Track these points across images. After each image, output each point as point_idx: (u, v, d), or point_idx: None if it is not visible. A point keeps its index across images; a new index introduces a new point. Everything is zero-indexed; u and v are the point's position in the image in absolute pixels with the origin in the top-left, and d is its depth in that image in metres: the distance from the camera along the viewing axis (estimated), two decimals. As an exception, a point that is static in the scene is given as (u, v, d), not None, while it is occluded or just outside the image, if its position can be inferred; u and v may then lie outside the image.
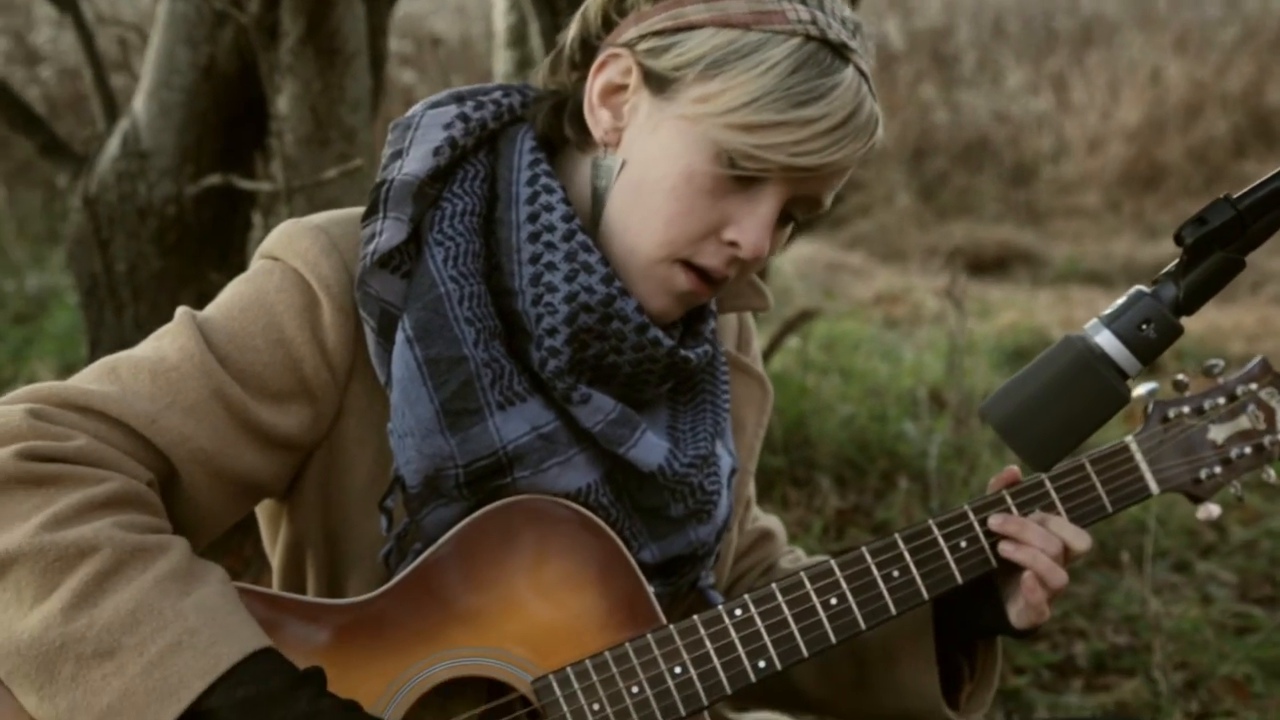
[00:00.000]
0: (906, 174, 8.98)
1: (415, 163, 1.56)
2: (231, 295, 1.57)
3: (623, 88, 1.57)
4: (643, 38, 1.56)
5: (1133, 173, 9.05)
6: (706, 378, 1.68)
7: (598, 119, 1.58)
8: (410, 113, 1.63)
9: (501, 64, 4.34)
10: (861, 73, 1.54)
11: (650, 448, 1.58)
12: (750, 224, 1.54)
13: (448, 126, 1.59)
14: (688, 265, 1.56)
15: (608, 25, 1.60)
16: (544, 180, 1.57)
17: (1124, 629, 3.23)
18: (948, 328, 5.32)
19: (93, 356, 3.22)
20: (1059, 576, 1.59)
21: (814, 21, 1.52)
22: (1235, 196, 1.59)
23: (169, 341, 1.53)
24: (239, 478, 1.53)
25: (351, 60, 3.01)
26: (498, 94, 1.64)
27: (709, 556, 1.66)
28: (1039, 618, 1.61)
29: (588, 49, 1.62)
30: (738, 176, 1.52)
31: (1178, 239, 1.61)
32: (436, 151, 1.56)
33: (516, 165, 1.59)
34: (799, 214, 1.59)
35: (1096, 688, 3.04)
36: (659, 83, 1.54)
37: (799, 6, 1.53)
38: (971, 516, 1.62)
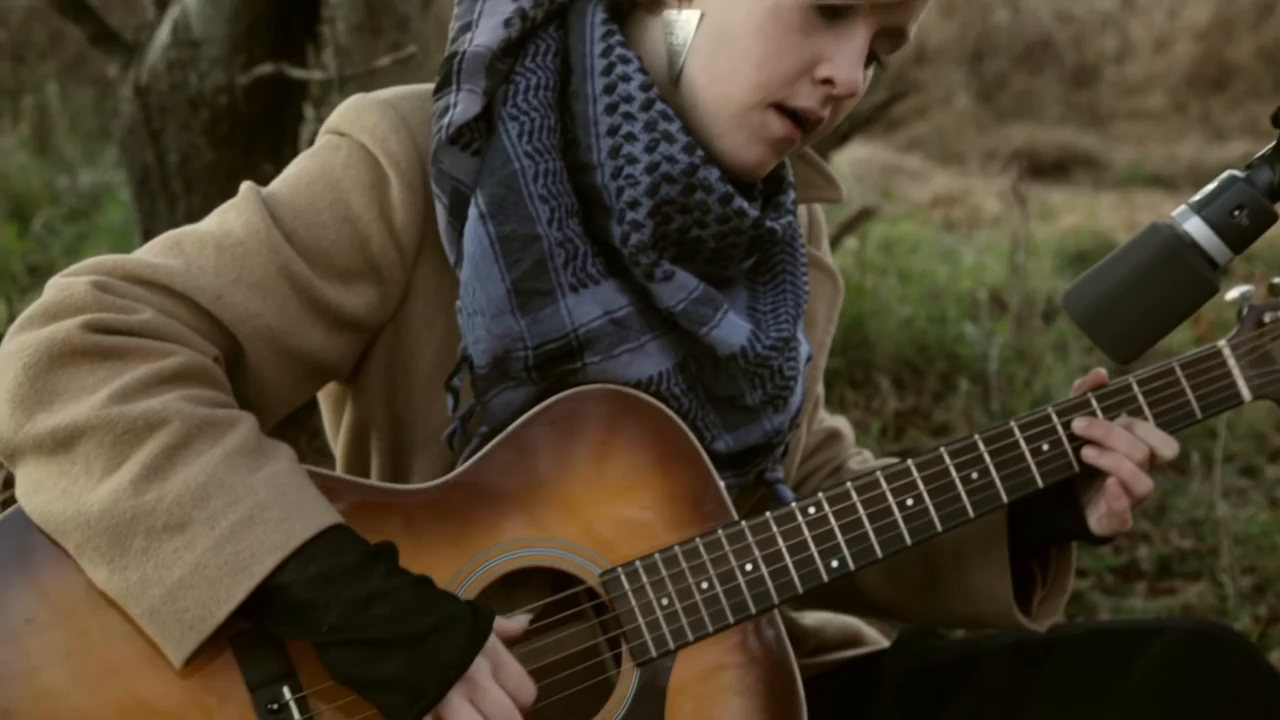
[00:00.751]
0: (965, 75, 8.79)
1: (485, 34, 1.51)
2: (298, 170, 1.53)
3: None
4: None
5: (1200, 73, 8.82)
6: (786, 257, 1.63)
7: None
8: None
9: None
10: None
11: (732, 328, 1.54)
12: (843, 59, 1.48)
13: None
14: (781, 109, 1.50)
15: None
16: (619, 50, 1.52)
17: (1189, 533, 3.18)
18: (1009, 229, 5.22)
19: (146, 250, 3.19)
20: (1144, 483, 1.54)
21: None
22: (1341, 78, 1.51)
23: (234, 216, 1.49)
24: (305, 357, 1.50)
25: (406, -54, 2.93)
26: None
27: (779, 447, 1.62)
28: (1120, 525, 1.56)
29: None
30: (826, 9, 1.46)
31: (1275, 121, 1.53)
32: (507, 23, 1.51)
33: (589, 37, 1.53)
34: (883, 52, 1.54)
35: (1160, 591, 3.00)
36: None
37: None
38: (1055, 419, 1.56)
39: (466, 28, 1.54)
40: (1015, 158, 7.19)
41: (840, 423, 1.85)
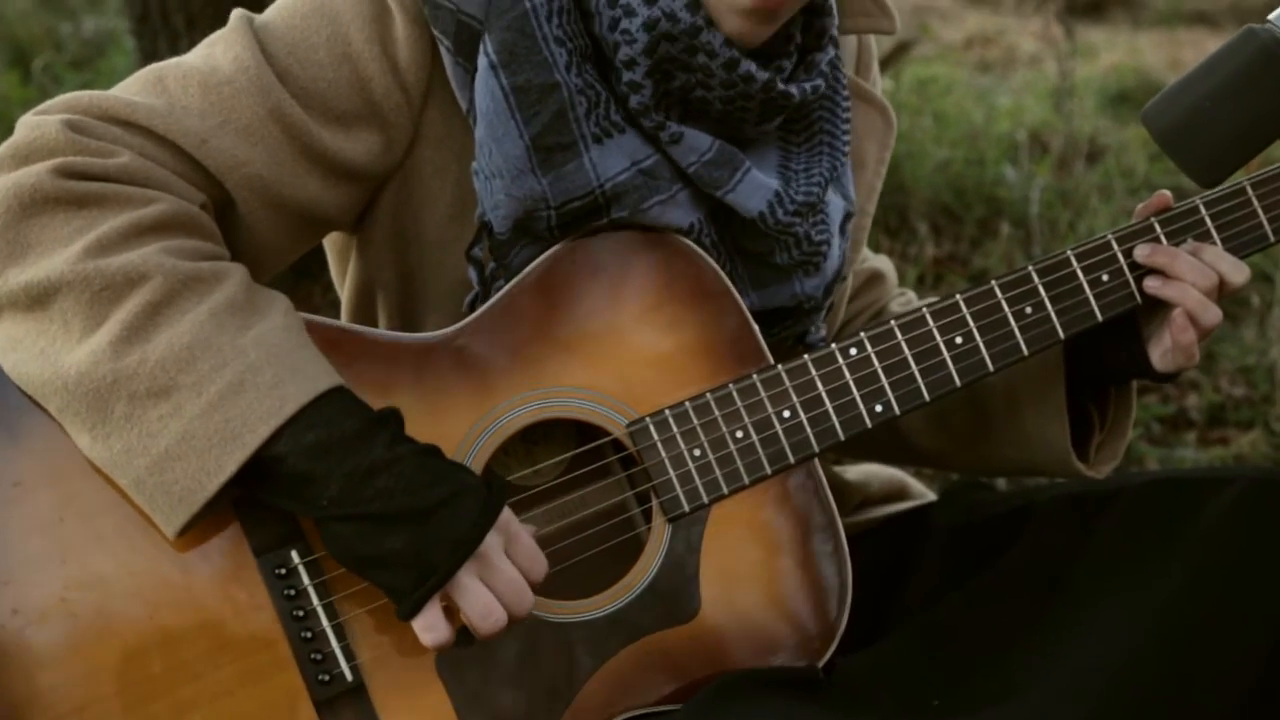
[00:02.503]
0: (999, -89, 8.43)
1: None
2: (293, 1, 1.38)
3: None
4: None
5: (1244, -95, 8.43)
6: (825, 115, 1.47)
7: None
8: None
9: None
10: None
11: (752, 191, 1.40)
12: None
13: None
14: None
15: None
16: None
17: (1240, 380, 3.04)
18: (1046, 70, 5.00)
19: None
20: (1213, 313, 1.41)
21: None
22: None
23: (222, 50, 1.36)
24: (301, 208, 1.38)
25: None
26: None
27: (817, 311, 1.49)
28: (1187, 360, 1.43)
29: None
30: None
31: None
32: None
33: None
34: None
35: (1211, 441, 2.88)
36: None
37: None
38: (1115, 246, 1.43)
39: None
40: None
41: (882, 262, 1.72)
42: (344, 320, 1.54)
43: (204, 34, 2.96)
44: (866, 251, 1.71)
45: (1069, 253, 1.42)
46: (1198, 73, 1.37)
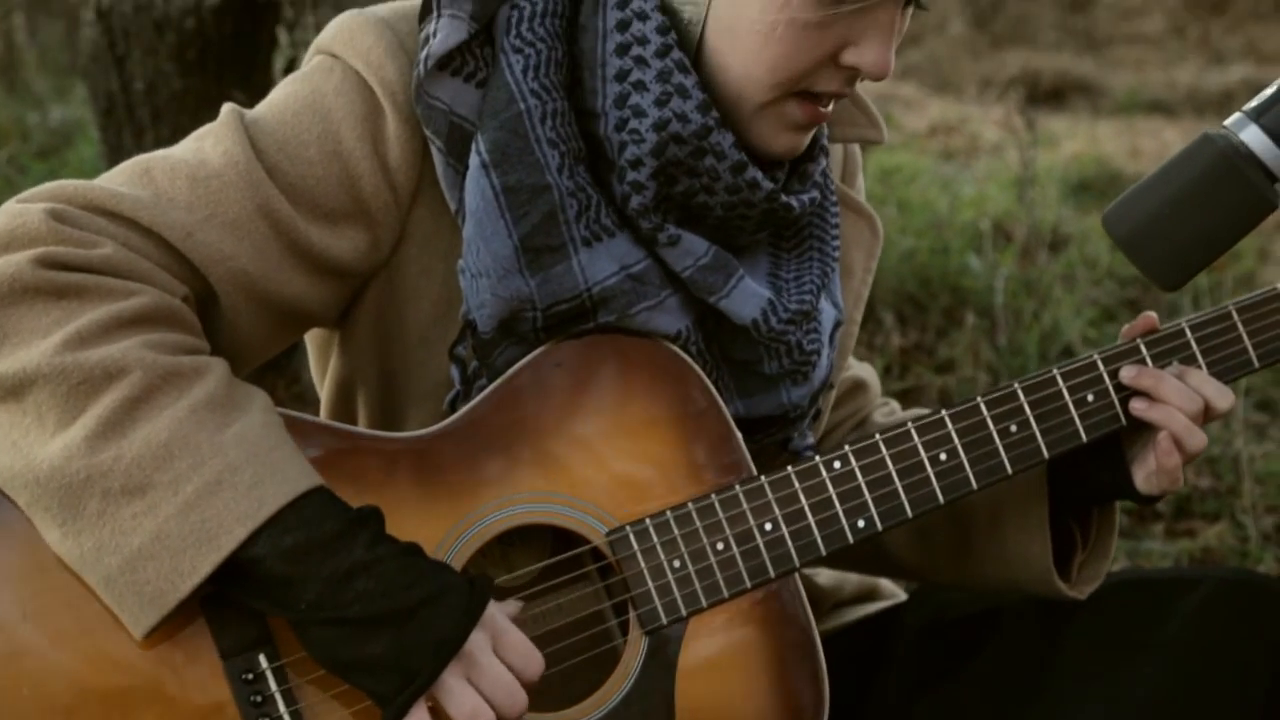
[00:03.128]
0: (959, 1, 8.59)
1: None
2: (285, 95, 1.38)
3: None
4: None
5: (1198, -3, 8.64)
6: (815, 222, 1.48)
7: None
8: None
9: None
10: None
11: (746, 298, 1.39)
12: (871, 44, 1.33)
13: None
14: (803, 95, 1.36)
15: None
16: None
17: (1207, 471, 3.06)
18: (1009, 159, 5.06)
19: (113, 184, 3.04)
20: (1198, 439, 1.41)
21: None
22: None
23: (211, 144, 1.35)
24: (284, 304, 1.36)
25: None
26: None
27: (802, 419, 1.49)
28: (1171, 484, 1.43)
29: None
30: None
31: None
32: None
33: None
34: None
35: (1178, 533, 2.89)
36: None
37: None
38: (1101, 366, 1.43)
39: None
40: (1012, 85, 7.02)
41: (865, 371, 1.72)
42: (324, 415, 1.52)
43: (169, 126, 3.01)
44: (851, 360, 1.71)
45: (1055, 372, 1.43)
46: (1157, 178, 1.39)
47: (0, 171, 4.59)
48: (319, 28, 2.66)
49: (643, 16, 1.35)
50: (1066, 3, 8.83)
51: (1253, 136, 1.37)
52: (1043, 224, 4.01)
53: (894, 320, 3.58)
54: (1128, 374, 1.43)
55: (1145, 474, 1.44)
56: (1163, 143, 6.02)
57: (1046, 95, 7.33)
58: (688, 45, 1.36)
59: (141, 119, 2.99)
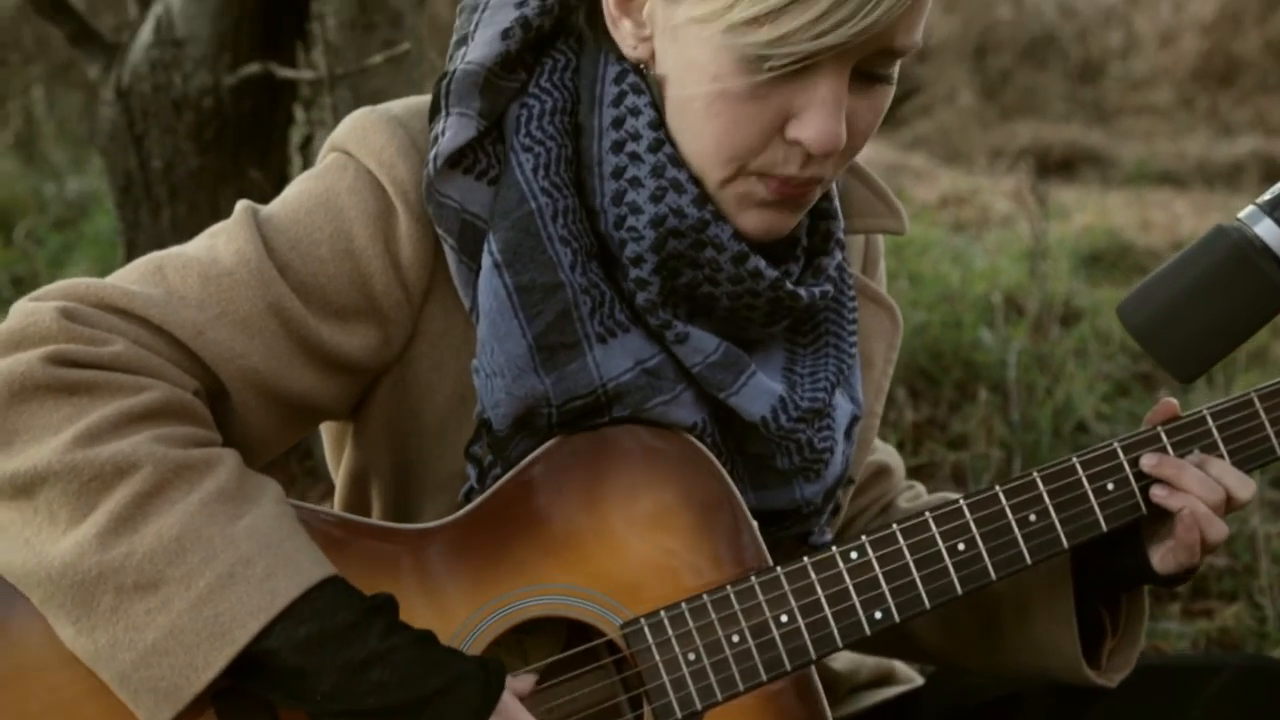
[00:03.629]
0: (969, 72, 8.66)
1: (480, 49, 1.36)
2: (298, 193, 1.39)
3: None
4: None
5: (1207, 67, 8.70)
6: (831, 316, 1.47)
7: (622, 33, 1.36)
8: None
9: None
10: None
11: (757, 395, 1.38)
12: (812, 116, 1.28)
13: (520, 4, 1.38)
14: (762, 175, 1.33)
15: None
16: (631, 79, 1.36)
17: (1223, 550, 3.04)
18: (1020, 230, 5.08)
19: (129, 259, 3.05)
20: (1218, 529, 1.40)
21: None
22: None
23: (224, 242, 1.35)
24: (295, 400, 1.36)
25: (399, -63, 2.79)
26: None
27: (818, 515, 1.48)
28: (1189, 559, 1.42)
29: None
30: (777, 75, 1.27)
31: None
32: (505, 34, 1.36)
33: (602, 60, 1.38)
34: (884, 68, 1.32)
35: (1195, 613, 2.86)
36: None
37: None
38: (1121, 455, 1.42)
39: (462, 42, 1.38)
40: (1022, 156, 7.06)
41: (889, 455, 1.70)
42: (337, 502, 1.52)
43: (186, 203, 3.04)
44: (875, 442, 1.70)
45: (1074, 460, 1.42)
46: (1171, 269, 1.39)
47: (17, 244, 4.62)
48: (336, 108, 2.70)
49: (635, 112, 1.35)
50: (1075, 74, 8.90)
51: (1267, 230, 1.37)
52: (1054, 297, 4.01)
53: (906, 395, 3.57)
54: (1148, 462, 1.42)
55: (1164, 558, 1.43)
56: (1173, 214, 6.04)
57: (1056, 166, 7.37)
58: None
59: (159, 196, 3.01)
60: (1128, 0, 9.55)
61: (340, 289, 1.36)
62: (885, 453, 1.70)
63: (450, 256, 1.35)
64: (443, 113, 1.34)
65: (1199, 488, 1.40)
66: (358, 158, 1.38)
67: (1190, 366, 1.39)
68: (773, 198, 1.34)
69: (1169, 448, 1.43)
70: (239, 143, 3.02)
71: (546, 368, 1.34)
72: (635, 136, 1.34)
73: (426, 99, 1.41)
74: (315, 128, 2.95)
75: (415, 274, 1.37)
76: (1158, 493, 1.41)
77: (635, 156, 1.34)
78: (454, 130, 1.33)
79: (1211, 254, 1.38)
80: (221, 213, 3.12)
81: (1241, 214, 1.40)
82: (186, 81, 2.97)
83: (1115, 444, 1.43)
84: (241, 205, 1.39)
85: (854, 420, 1.48)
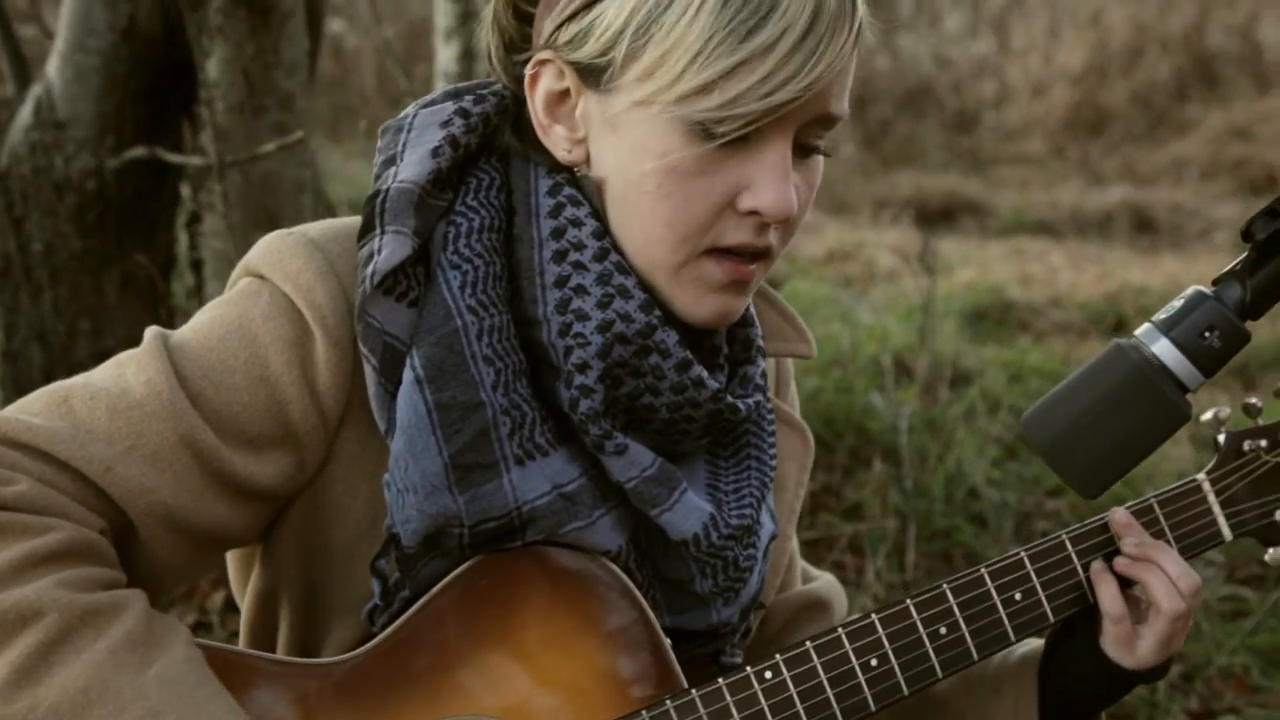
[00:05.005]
0: (850, 123, 8.81)
1: (412, 168, 1.35)
2: (211, 319, 1.36)
3: (564, 93, 1.35)
4: (559, 28, 1.34)
5: (1077, 118, 8.97)
6: (753, 430, 1.47)
7: (554, 139, 1.37)
8: (402, 114, 1.42)
9: (442, 18, 4.08)
10: None
11: (688, 513, 1.38)
12: (764, 184, 1.31)
13: (445, 124, 1.38)
14: (715, 252, 1.34)
15: (522, 18, 1.40)
16: (567, 190, 1.36)
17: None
18: (906, 286, 5.17)
19: (8, 344, 2.97)
20: (1176, 602, 1.42)
21: None
22: (1313, 188, 1.43)
23: (134, 371, 1.32)
24: (206, 532, 1.33)
25: (287, 19, 2.76)
26: (498, 86, 1.43)
27: (733, 634, 1.47)
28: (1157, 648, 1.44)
29: (515, 51, 1.41)
30: (725, 144, 1.30)
31: (1245, 234, 1.44)
32: (435, 152, 1.36)
33: (532, 174, 1.38)
34: (818, 139, 1.35)
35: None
36: (594, 75, 1.32)
37: None
38: (1028, 564, 1.45)
39: (390, 162, 1.37)
40: (905, 208, 7.20)
41: (826, 587, 1.68)
42: (244, 624, 1.48)
43: (68, 287, 2.96)
44: (814, 572, 1.69)
45: (983, 570, 1.44)
46: (1073, 387, 1.42)
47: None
48: (226, 195, 2.65)
49: (577, 223, 1.35)
50: (952, 124, 9.10)
51: (1164, 350, 1.41)
52: (942, 358, 4.08)
53: (801, 461, 3.60)
54: (1122, 564, 1.45)
55: (1118, 640, 1.45)
56: (1050, 267, 6.19)
57: (937, 216, 7.52)
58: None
59: (39, 280, 2.93)
60: (1000, 51, 9.82)
61: (255, 418, 1.33)
62: (823, 585, 1.69)
63: (370, 378, 1.33)
64: (377, 230, 1.33)
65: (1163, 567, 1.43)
66: (273, 282, 1.35)
67: (1095, 485, 1.42)
68: (726, 279, 1.35)
69: (1074, 556, 1.46)
70: (122, 225, 2.95)
71: (461, 487, 1.32)
72: (579, 246, 1.34)
73: (341, 221, 1.40)
74: (204, 209, 2.89)
75: (332, 399, 1.35)
76: (1120, 561, 1.44)
77: (579, 265, 1.34)
78: (390, 248, 1.32)
79: (1112, 373, 1.41)
80: (105, 296, 3.06)
81: (1138, 332, 1.44)
82: (68, 164, 2.90)
83: (1022, 553, 1.46)
84: (152, 333, 1.35)
85: (772, 538, 1.49)
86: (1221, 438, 1.52)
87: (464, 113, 1.39)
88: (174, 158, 2.76)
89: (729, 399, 1.39)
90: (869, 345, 4.41)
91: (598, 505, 1.37)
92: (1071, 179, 8.31)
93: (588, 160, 1.36)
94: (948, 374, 4.04)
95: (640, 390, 1.36)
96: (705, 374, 1.37)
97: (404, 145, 1.38)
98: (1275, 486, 1.51)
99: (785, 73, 1.26)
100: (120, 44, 2.88)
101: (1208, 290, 1.43)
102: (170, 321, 3.02)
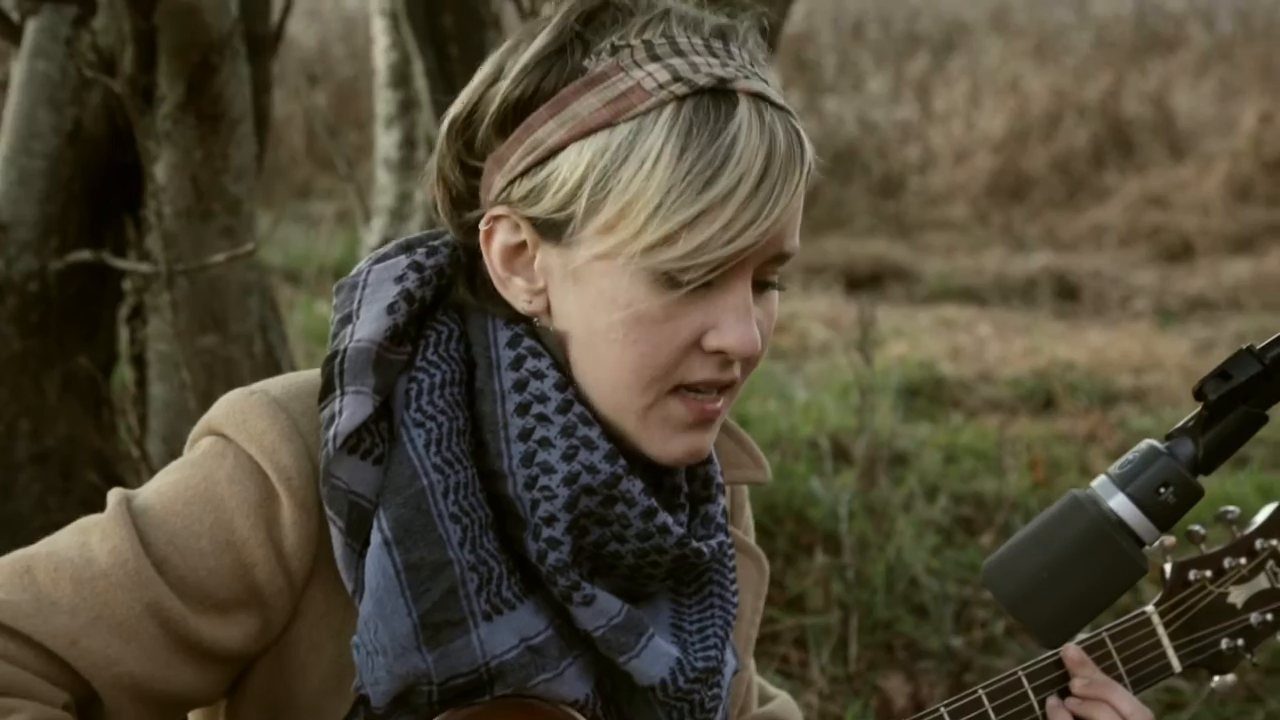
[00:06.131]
0: (778, 186, 8.90)
1: (369, 325, 1.35)
2: (175, 481, 1.35)
3: (521, 246, 1.37)
4: (511, 184, 1.35)
5: (999, 184, 9.14)
6: (716, 568, 1.47)
7: (514, 291, 1.38)
8: (355, 270, 1.43)
9: (383, 105, 4.10)
10: (755, 95, 1.30)
11: (656, 658, 1.39)
12: (729, 324, 1.32)
13: (400, 279, 1.38)
14: (681, 390, 1.36)
15: (470, 173, 1.40)
16: (527, 342, 1.37)
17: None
18: (839, 360, 5.23)
19: (-55, 448, 2.92)
20: None
21: (676, 76, 1.30)
22: (1259, 348, 1.49)
23: (98, 539, 1.31)
24: (171, 696, 1.32)
25: (236, 125, 2.76)
26: (449, 237, 1.44)
27: None
28: None
29: (464, 206, 1.42)
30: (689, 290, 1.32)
31: (1198, 394, 1.49)
32: (391, 309, 1.36)
33: (490, 326, 1.39)
34: (773, 276, 1.38)
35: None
36: (553, 229, 1.34)
37: (652, 65, 1.31)
38: (987, 704, 1.47)
39: (347, 319, 1.38)
40: (837, 274, 7.29)
41: (782, 708, 1.68)
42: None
43: (8, 388, 2.91)
44: (770, 690, 1.70)
45: (980, 692, 1.47)
46: (1033, 539, 1.46)
47: None
48: (175, 304, 2.64)
49: (539, 375, 1.36)
50: (877, 189, 9.24)
51: (1121, 504, 1.45)
52: (880, 439, 4.13)
53: (744, 550, 3.62)
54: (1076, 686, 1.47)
55: None
56: (978, 338, 6.30)
57: (865, 281, 7.62)
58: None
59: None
60: (923, 115, 10.00)
61: (222, 581, 1.32)
62: (780, 705, 1.69)
63: (336, 539, 1.33)
64: (337, 392, 1.33)
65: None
66: (237, 443, 1.35)
67: (1059, 636, 1.46)
68: (693, 418, 1.36)
69: (1029, 691, 1.49)
70: (64, 326, 2.92)
71: (430, 645, 1.32)
72: (542, 399, 1.35)
73: (303, 377, 1.40)
74: (149, 311, 2.87)
75: (298, 561, 1.34)
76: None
77: (543, 418, 1.35)
78: (351, 410, 1.32)
79: (1072, 528, 1.45)
80: (45, 396, 3.01)
81: (1095, 484, 1.48)
82: (10, 265, 2.86)
83: (980, 691, 1.48)
84: (116, 497, 1.35)
85: (734, 673, 1.50)
86: (1168, 567, 1.56)
87: (418, 266, 1.39)
88: (121, 263, 2.75)
89: (693, 544, 1.40)
90: (805, 426, 4.46)
91: (565, 654, 1.37)
92: (995, 245, 8.46)
93: (548, 310, 1.37)
94: (885, 454, 4.09)
95: (607, 538, 1.37)
96: (670, 521, 1.38)
97: (360, 302, 1.38)
98: (1220, 616, 1.55)
99: (744, 219, 1.28)
100: (65, 147, 2.86)
101: (1161, 446, 1.48)
102: (110, 420, 2.99)
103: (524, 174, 1.34)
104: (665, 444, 1.37)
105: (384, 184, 4.06)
